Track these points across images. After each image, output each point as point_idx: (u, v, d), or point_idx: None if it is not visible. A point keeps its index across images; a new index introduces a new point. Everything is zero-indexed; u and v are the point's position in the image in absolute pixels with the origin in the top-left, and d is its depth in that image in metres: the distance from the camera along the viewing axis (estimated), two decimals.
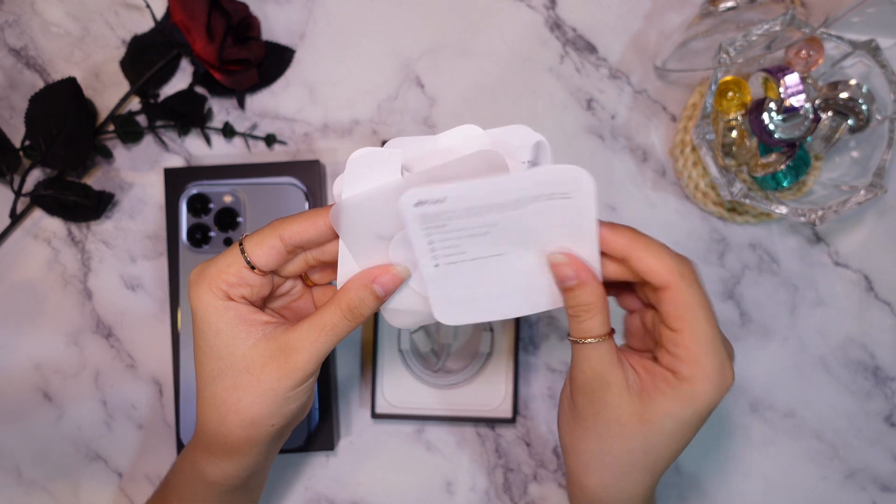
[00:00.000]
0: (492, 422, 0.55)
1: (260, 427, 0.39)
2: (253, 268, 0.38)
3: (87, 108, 0.56)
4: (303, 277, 0.43)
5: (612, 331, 0.37)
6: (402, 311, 0.41)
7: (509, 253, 0.38)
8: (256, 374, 0.38)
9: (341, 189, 0.38)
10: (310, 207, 0.53)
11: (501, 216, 0.36)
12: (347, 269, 0.39)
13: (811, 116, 0.50)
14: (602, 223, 0.36)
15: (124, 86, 0.57)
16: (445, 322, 0.40)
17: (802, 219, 0.49)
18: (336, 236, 0.38)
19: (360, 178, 0.37)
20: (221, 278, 0.38)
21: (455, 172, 0.36)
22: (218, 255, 0.39)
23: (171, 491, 0.44)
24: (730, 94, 0.52)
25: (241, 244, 0.39)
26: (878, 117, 0.50)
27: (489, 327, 0.55)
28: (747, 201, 0.49)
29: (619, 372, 0.36)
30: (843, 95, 0.50)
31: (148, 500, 0.47)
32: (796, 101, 0.49)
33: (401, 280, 0.39)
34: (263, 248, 0.38)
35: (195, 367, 0.40)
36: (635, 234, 0.37)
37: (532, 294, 0.39)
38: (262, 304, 0.41)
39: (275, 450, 0.44)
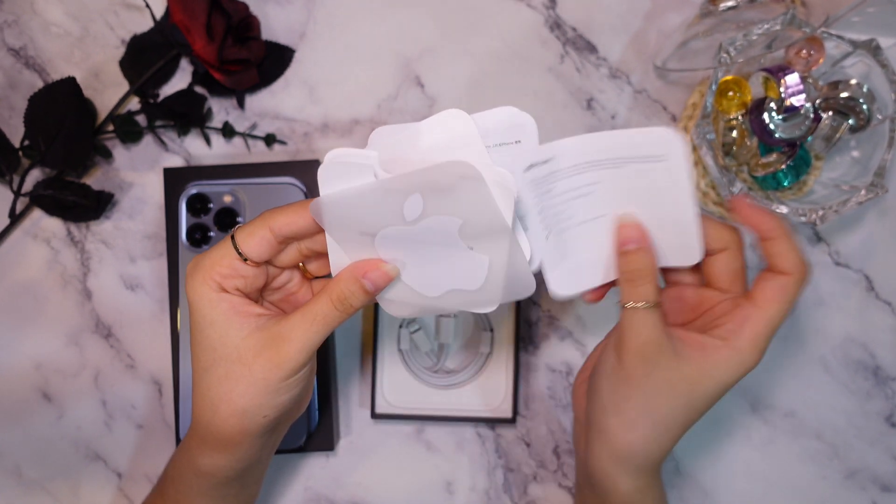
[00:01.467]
0: (492, 422, 0.55)
1: (252, 418, 0.39)
2: (245, 259, 0.39)
3: (87, 107, 0.56)
4: (301, 269, 0.43)
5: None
6: (398, 302, 0.41)
7: (612, 214, 0.40)
8: (248, 364, 0.39)
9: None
10: None
11: (604, 173, 0.38)
12: (338, 259, 0.40)
13: (812, 116, 0.50)
14: (751, 205, 0.39)
15: (124, 86, 0.57)
16: (560, 294, 0.41)
17: (803, 219, 0.49)
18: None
19: (336, 180, 0.38)
20: (215, 270, 0.39)
21: (430, 179, 0.36)
22: (212, 247, 0.40)
23: (169, 483, 0.44)
24: (730, 93, 0.52)
25: (232, 237, 0.39)
26: (879, 117, 0.50)
27: (489, 327, 0.55)
28: None
29: (669, 338, 0.39)
30: (844, 95, 0.50)
31: (149, 493, 0.47)
32: (797, 100, 0.49)
33: (390, 278, 0.39)
34: (254, 239, 0.39)
35: (191, 359, 0.40)
36: (783, 223, 0.40)
37: None
38: (258, 295, 0.42)
39: (270, 445, 0.44)
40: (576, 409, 0.46)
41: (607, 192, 0.39)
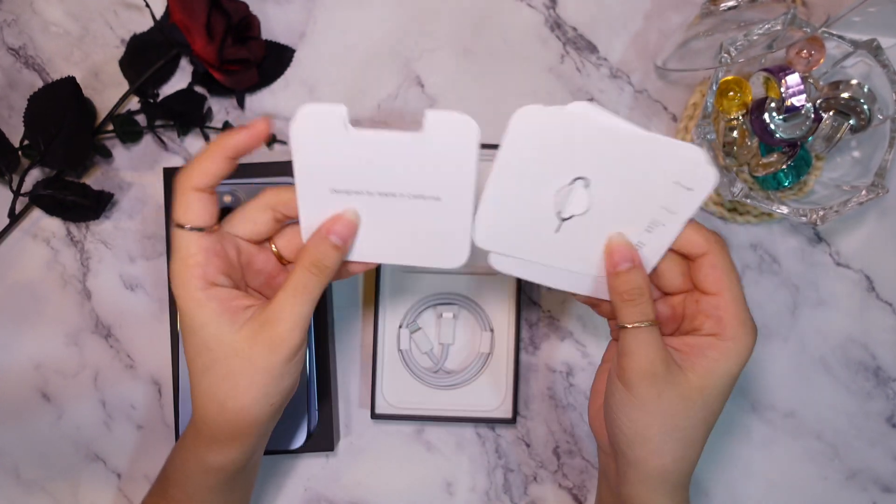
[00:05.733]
0: (492, 422, 0.55)
1: (261, 408, 0.39)
2: (199, 229, 0.38)
3: (87, 107, 0.55)
4: (276, 255, 0.43)
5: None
6: (504, 257, 0.41)
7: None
8: (247, 356, 0.38)
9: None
10: None
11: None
12: (309, 223, 0.40)
13: (812, 116, 0.50)
14: None
15: (124, 85, 0.57)
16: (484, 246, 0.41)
17: (803, 219, 0.49)
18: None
19: (310, 135, 0.38)
20: (189, 263, 0.38)
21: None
22: (172, 248, 0.39)
23: (173, 485, 0.44)
24: (731, 93, 0.51)
25: (179, 226, 0.39)
26: (880, 117, 0.50)
27: (489, 327, 0.55)
28: (748, 201, 0.49)
29: (669, 352, 0.39)
30: (845, 95, 0.50)
31: (147, 496, 0.46)
32: (797, 100, 0.49)
33: (353, 225, 0.39)
34: (190, 199, 0.38)
35: (187, 362, 0.40)
36: None
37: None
38: (242, 280, 0.41)
39: (272, 427, 0.44)
40: (598, 440, 0.45)
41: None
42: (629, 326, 0.39)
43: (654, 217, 0.39)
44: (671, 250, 0.40)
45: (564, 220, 0.39)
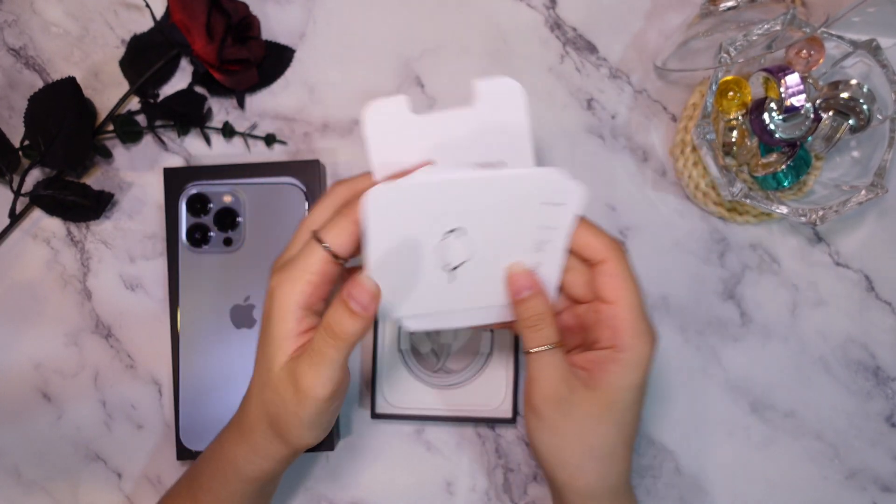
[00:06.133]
0: (492, 422, 0.55)
1: (296, 442, 0.41)
2: (338, 258, 0.38)
3: (87, 107, 0.56)
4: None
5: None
6: (420, 316, 0.42)
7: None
8: (283, 398, 0.39)
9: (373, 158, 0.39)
10: (309, 208, 0.53)
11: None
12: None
13: (812, 116, 0.50)
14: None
15: (124, 85, 0.57)
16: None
17: (803, 219, 0.49)
18: None
19: (381, 129, 0.39)
20: (303, 279, 0.38)
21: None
22: (295, 254, 0.39)
23: (203, 490, 0.44)
24: (730, 93, 0.51)
25: (317, 238, 0.38)
26: (879, 117, 0.50)
27: (489, 328, 0.55)
28: (748, 201, 0.49)
29: (572, 371, 0.39)
30: (844, 95, 0.50)
31: (167, 496, 0.47)
32: (797, 100, 0.49)
33: (370, 292, 0.38)
34: (347, 224, 0.38)
35: (256, 354, 0.41)
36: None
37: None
38: None
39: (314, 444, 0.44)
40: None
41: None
42: (533, 351, 0.39)
43: (538, 237, 0.40)
44: (580, 259, 0.41)
45: (454, 269, 0.40)
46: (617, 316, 0.38)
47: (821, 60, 0.51)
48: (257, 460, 0.42)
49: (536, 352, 0.39)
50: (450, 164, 0.40)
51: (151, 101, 0.56)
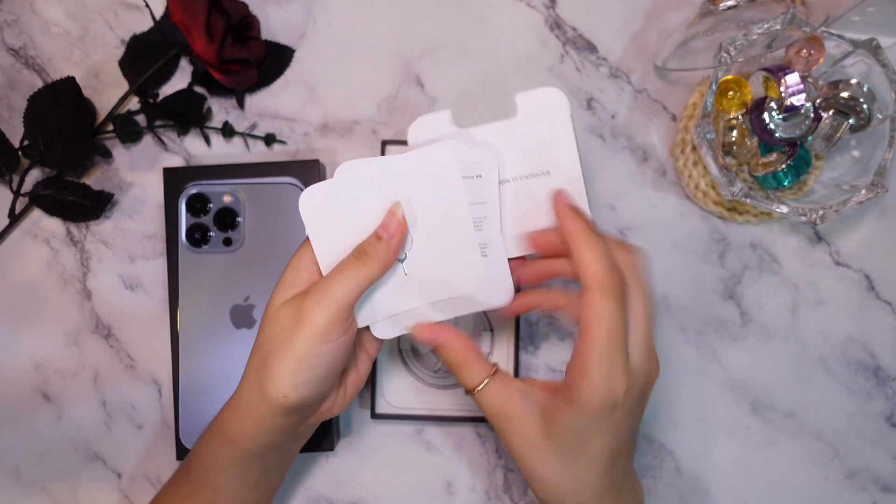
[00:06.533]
0: None
1: (288, 386, 0.40)
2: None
3: (87, 107, 0.55)
4: None
5: (495, 367, 0.40)
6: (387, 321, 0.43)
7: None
8: (285, 335, 0.40)
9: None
10: None
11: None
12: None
13: (812, 116, 0.50)
14: (565, 203, 0.39)
15: (123, 85, 0.57)
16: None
17: (803, 218, 0.49)
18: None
19: (423, 134, 0.42)
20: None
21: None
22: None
23: (193, 467, 0.44)
24: (730, 93, 0.51)
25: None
26: (879, 116, 0.50)
27: (489, 327, 0.55)
28: (748, 201, 0.49)
29: (517, 401, 0.39)
30: (844, 94, 0.50)
31: (166, 484, 0.47)
32: (797, 100, 0.49)
33: (398, 217, 0.40)
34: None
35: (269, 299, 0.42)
36: (588, 227, 0.38)
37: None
38: None
39: (293, 435, 0.44)
40: None
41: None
42: (475, 393, 0.40)
43: (475, 215, 0.41)
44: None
45: (402, 260, 0.41)
46: (580, 351, 0.37)
47: (821, 60, 0.50)
48: (239, 417, 0.42)
49: (476, 393, 0.40)
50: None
51: (151, 101, 0.56)
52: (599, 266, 0.37)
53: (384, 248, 0.40)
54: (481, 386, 0.40)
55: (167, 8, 0.55)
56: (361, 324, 0.42)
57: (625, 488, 0.41)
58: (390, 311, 0.42)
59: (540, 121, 0.40)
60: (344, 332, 0.40)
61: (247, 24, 0.55)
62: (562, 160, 0.40)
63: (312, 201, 0.40)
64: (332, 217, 0.41)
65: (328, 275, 0.40)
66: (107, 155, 0.57)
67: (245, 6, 0.55)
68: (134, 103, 0.58)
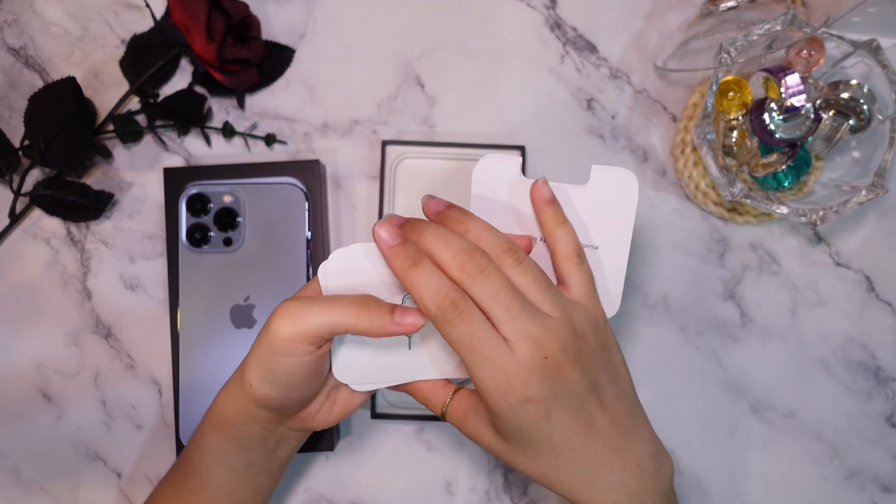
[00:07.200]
0: None
1: (259, 382, 0.40)
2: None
3: (87, 107, 0.55)
4: None
5: (457, 388, 0.41)
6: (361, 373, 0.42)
7: None
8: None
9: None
10: (309, 207, 0.53)
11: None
12: None
13: (812, 116, 0.50)
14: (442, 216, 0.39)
15: (124, 85, 0.57)
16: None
17: (803, 219, 0.49)
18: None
19: (488, 178, 0.41)
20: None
21: None
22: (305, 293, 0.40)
23: (187, 462, 0.45)
24: (731, 93, 0.51)
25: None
26: (880, 117, 0.50)
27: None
28: (748, 201, 0.49)
29: (471, 416, 0.40)
30: (845, 95, 0.50)
31: (162, 480, 0.47)
32: (797, 101, 0.49)
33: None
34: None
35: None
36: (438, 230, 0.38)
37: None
38: None
39: (273, 436, 0.44)
40: None
41: None
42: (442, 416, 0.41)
43: None
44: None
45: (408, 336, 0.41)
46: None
47: (821, 61, 0.50)
48: (225, 399, 0.42)
49: (444, 418, 0.41)
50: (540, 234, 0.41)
51: (151, 100, 0.56)
52: (422, 299, 0.36)
53: (387, 325, 0.38)
54: (444, 409, 0.41)
55: (167, 8, 0.55)
56: (345, 380, 0.42)
57: (621, 432, 0.39)
58: (380, 380, 0.42)
59: (608, 198, 0.40)
60: (307, 353, 0.39)
61: (247, 24, 0.55)
62: (614, 239, 0.41)
63: (334, 267, 0.40)
64: (352, 284, 0.40)
65: (324, 297, 0.38)
66: (107, 155, 0.57)
67: (245, 6, 0.55)
68: (134, 103, 0.58)
